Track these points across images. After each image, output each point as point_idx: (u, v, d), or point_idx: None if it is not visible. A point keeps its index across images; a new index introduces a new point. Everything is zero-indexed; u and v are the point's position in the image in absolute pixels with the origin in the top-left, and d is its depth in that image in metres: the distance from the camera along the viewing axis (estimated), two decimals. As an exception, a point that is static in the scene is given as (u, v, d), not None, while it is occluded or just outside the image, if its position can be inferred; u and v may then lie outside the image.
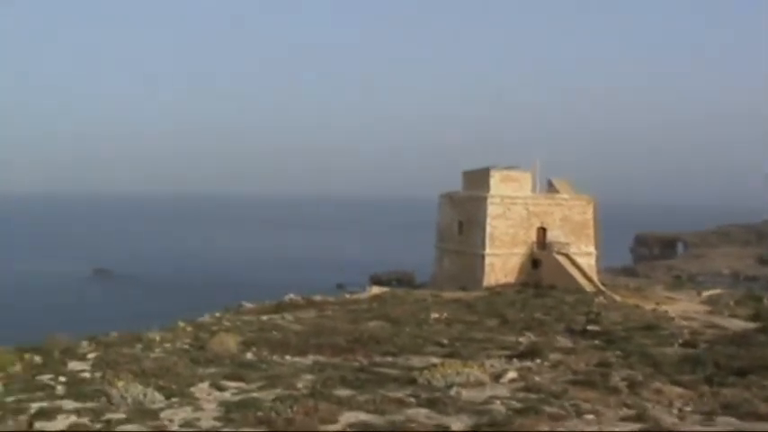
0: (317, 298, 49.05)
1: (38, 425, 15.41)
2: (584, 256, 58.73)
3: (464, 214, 62.20)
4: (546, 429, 15.23)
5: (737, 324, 36.46)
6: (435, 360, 23.90)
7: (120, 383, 18.00)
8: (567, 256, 56.82)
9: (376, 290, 55.55)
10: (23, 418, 15.96)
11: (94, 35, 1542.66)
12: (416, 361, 24.56)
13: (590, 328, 33.31)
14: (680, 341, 29.67)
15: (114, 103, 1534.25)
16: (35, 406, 16.87)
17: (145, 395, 17.73)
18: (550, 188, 63.37)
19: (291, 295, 49.97)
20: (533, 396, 18.58)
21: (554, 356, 25.52)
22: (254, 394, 18.81)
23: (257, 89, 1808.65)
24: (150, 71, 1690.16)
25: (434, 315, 37.94)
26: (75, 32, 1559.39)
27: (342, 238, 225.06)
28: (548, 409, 16.92)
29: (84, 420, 15.90)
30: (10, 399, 17.64)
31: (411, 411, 16.75)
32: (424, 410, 16.84)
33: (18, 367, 22.25)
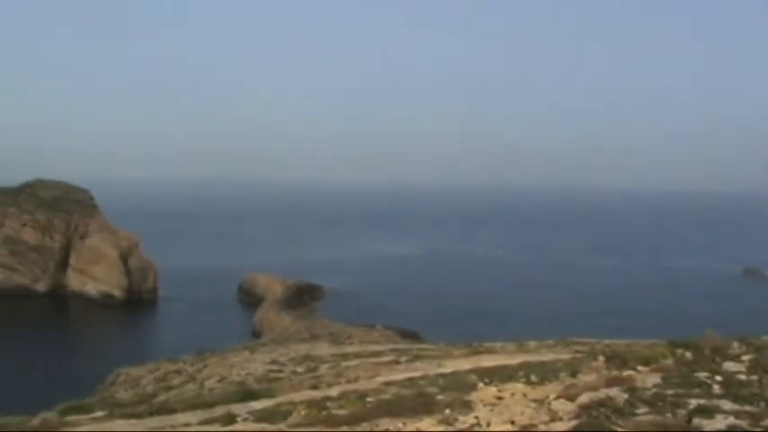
0: None
1: (695, 421, 16.25)
2: None
3: None
4: None
5: None
6: None
7: (784, 389, 17.82)
8: None
9: None
10: (682, 412, 17.01)
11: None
12: None
13: None
14: None
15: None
16: (693, 402, 17.80)
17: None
18: None
19: None
20: None
21: None
22: None
23: None
24: None
25: None
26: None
27: None
28: None
29: (742, 423, 16.20)
30: (669, 392, 18.98)
31: None
32: None
33: (669, 361, 23.71)
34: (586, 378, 21.57)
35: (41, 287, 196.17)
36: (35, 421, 28.88)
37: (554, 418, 17.89)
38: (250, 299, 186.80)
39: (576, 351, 32.71)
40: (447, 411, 20.68)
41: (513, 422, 18.46)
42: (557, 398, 19.47)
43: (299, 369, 50.65)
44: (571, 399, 18.83)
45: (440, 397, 22.67)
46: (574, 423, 16.85)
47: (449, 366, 32.51)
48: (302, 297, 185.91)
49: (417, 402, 22.14)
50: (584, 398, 18.47)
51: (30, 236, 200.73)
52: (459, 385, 24.33)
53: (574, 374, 22.64)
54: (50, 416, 30.29)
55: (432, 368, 33.18)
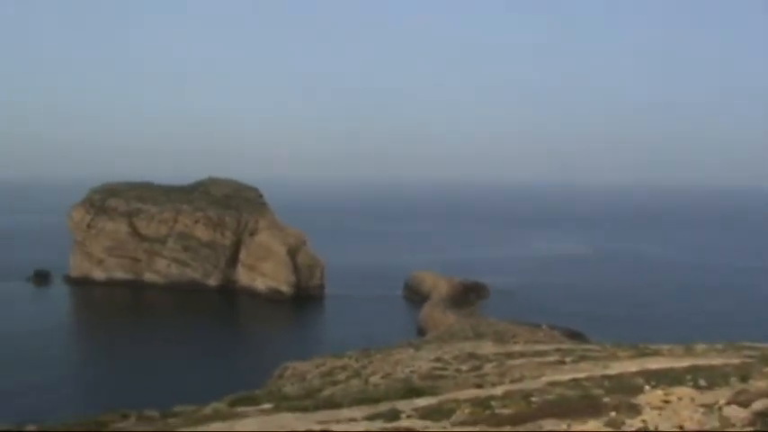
0: None
1: None
2: None
3: None
4: None
5: None
6: None
7: None
8: None
9: None
10: None
11: None
12: None
13: None
14: None
15: None
16: None
17: None
18: None
19: None
20: None
21: None
22: None
23: None
24: None
25: None
26: None
27: None
28: None
29: None
30: None
31: None
32: None
33: None
34: (758, 384, 20.94)
35: (212, 282, 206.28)
36: (207, 410, 30.58)
37: (726, 424, 17.50)
38: (415, 296, 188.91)
39: (747, 356, 31.53)
40: (613, 414, 20.58)
41: (681, 427, 18.16)
42: (727, 404, 19.03)
43: (464, 367, 50.91)
44: (743, 405, 18.35)
45: (606, 399, 22.56)
46: (748, 430, 16.49)
47: (614, 368, 32.14)
48: (467, 295, 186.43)
49: (583, 404, 22.14)
50: (758, 404, 17.96)
51: (202, 232, 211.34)
52: (625, 388, 24.12)
53: (744, 380, 22.00)
54: (221, 406, 32.03)
55: (597, 369, 32.90)
